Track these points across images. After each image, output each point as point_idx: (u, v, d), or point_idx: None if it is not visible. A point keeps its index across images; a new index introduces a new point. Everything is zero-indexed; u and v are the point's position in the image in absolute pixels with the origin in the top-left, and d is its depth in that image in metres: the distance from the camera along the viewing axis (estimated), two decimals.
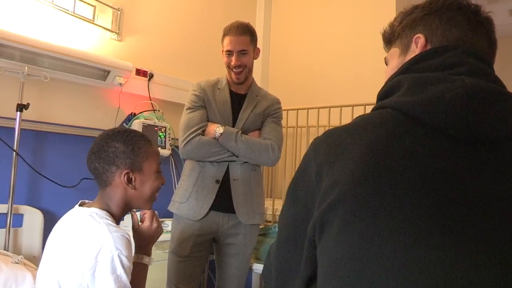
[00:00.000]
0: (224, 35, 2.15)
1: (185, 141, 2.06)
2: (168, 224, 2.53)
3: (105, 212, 1.38)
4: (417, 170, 0.66)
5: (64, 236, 1.33)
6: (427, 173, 0.66)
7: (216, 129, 2.07)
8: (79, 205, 1.44)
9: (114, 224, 1.34)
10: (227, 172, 2.13)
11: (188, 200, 2.11)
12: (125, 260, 1.25)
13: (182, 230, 2.11)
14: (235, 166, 2.14)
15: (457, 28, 0.83)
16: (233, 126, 2.16)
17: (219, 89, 2.21)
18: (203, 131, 2.10)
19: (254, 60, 2.24)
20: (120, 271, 1.23)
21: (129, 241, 1.30)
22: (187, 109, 2.16)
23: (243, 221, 2.14)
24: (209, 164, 2.12)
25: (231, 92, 2.22)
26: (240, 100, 2.23)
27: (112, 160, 1.40)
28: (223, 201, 2.11)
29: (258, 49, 2.25)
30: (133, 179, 1.42)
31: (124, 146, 1.42)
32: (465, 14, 0.84)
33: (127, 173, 1.41)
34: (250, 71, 2.22)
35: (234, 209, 2.12)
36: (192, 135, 2.06)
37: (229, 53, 2.14)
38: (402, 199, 0.65)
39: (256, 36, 2.22)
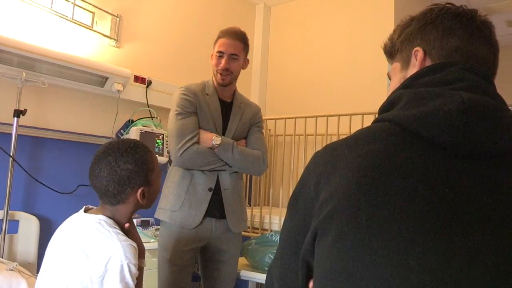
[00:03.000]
0: (219, 37, 2.18)
1: (182, 150, 2.04)
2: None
3: (112, 220, 1.41)
4: (411, 183, 0.67)
5: (72, 243, 1.34)
6: (421, 186, 0.66)
7: (213, 139, 2.08)
8: (84, 211, 1.45)
9: (122, 233, 1.37)
10: (217, 181, 2.14)
11: (181, 208, 2.09)
12: (133, 268, 1.30)
13: (178, 239, 2.08)
14: (224, 175, 2.16)
15: (454, 37, 0.83)
16: (223, 135, 2.18)
17: (207, 94, 2.19)
18: (198, 139, 2.10)
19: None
20: (128, 278, 1.28)
21: (136, 249, 1.34)
22: (179, 114, 2.11)
23: (233, 229, 2.17)
24: (199, 173, 2.12)
25: (219, 99, 2.23)
26: (227, 108, 2.24)
27: (127, 182, 1.42)
28: (215, 208, 2.13)
29: (248, 60, 2.27)
30: (145, 194, 1.46)
31: (136, 166, 1.43)
32: (461, 22, 0.83)
33: (143, 190, 1.45)
34: (236, 78, 2.24)
35: (225, 216, 2.15)
36: (189, 144, 2.05)
37: (220, 54, 2.15)
38: (395, 212, 0.65)
39: (249, 47, 2.25)
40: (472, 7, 0.86)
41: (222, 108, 2.22)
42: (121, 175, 1.41)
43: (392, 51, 0.95)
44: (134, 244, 1.34)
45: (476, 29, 0.83)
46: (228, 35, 2.15)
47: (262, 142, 2.30)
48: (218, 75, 2.17)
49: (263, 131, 2.39)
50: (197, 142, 2.08)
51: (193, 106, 2.13)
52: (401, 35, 0.91)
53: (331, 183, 0.73)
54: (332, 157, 0.78)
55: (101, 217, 1.38)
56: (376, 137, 0.75)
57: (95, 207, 1.48)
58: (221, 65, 2.14)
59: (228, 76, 2.17)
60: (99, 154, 1.46)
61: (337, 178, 0.73)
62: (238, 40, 2.16)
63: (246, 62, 2.26)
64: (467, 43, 0.82)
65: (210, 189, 2.11)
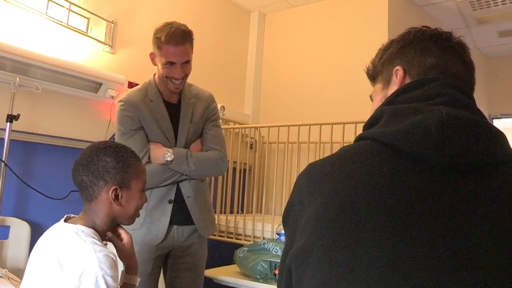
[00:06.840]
0: (162, 43, 1.88)
1: None
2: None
3: (91, 229, 1.35)
4: (394, 199, 0.67)
5: (48, 253, 1.30)
6: (404, 201, 0.67)
7: (165, 155, 1.94)
8: (64, 220, 1.40)
9: (100, 243, 1.30)
10: (178, 191, 2.02)
11: (143, 226, 1.96)
12: (110, 280, 1.22)
13: (140, 250, 1.93)
14: (185, 184, 2.04)
15: (431, 55, 0.88)
16: (175, 141, 2.04)
17: (151, 101, 2.00)
18: (149, 156, 1.96)
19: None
20: None
21: (114, 260, 1.27)
22: (123, 134, 1.95)
23: (203, 234, 2.08)
24: (157, 187, 2.00)
25: (164, 103, 2.04)
26: (175, 110, 2.05)
27: (102, 175, 1.36)
28: (178, 215, 2.02)
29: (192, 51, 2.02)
30: (120, 196, 1.39)
31: (115, 161, 1.39)
32: (436, 42, 0.89)
33: (115, 189, 1.38)
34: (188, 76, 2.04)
35: (191, 222, 2.04)
36: None
37: (171, 64, 1.92)
38: (378, 229, 0.66)
39: (193, 38, 1.99)
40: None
41: (169, 112, 2.03)
42: (97, 165, 1.36)
43: (374, 74, 0.99)
44: (112, 255, 1.26)
45: (450, 48, 0.89)
46: (174, 41, 1.88)
47: (219, 139, 2.12)
48: (171, 83, 1.97)
49: (220, 122, 2.20)
50: (149, 161, 1.94)
51: (135, 122, 1.96)
52: (382, 57, 0.96)
53: (315, 202, 0.74)
54: (314, 176, 0.79)
55: (79, 227, 1.33)
56: (357, 155, 0.76)
57: (76, 216, 1.43)
58: (175, 75, 1.94)
59: (183, 81, 1.99)
60: (84, 149, 1.42)
61: (320, 197, 0.74)
62: (186, 43, 1.92)
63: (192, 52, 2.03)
64: (443, 60, 0.87)
65: (170, 201, 2.01)
